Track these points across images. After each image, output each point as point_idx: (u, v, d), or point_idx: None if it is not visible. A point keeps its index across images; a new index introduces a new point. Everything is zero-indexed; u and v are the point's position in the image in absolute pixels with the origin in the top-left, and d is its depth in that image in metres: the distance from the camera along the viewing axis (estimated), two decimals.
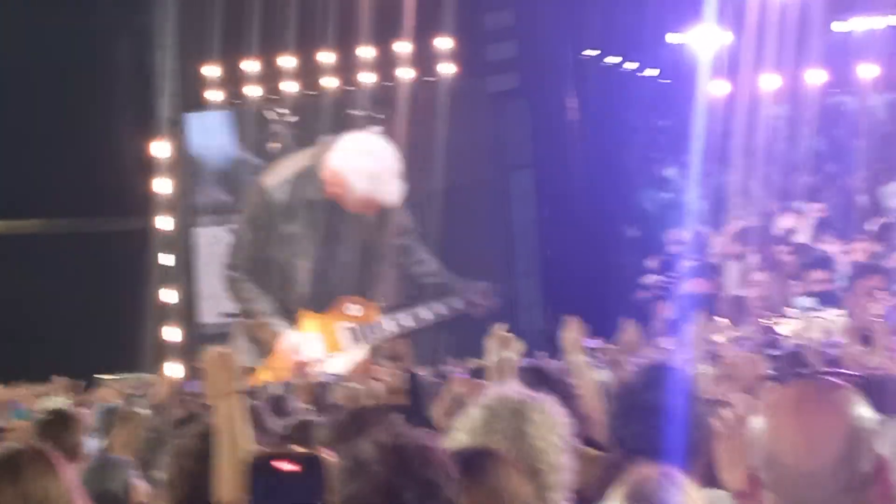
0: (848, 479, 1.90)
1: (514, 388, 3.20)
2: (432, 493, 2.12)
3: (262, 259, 16.94)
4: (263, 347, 16.69)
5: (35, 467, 3.12)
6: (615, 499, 2.61)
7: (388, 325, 16.64)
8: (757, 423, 2.06)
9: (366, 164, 16.13)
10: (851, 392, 2.03)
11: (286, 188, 16.46)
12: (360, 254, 16.88)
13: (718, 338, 13.61)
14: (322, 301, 16.87)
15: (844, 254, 17.54)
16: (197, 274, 18.56)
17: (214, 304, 18.22)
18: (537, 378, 5.25)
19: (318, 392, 8.17)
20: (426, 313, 16.67)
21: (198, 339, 17.97)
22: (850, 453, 1.91)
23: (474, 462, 2.82)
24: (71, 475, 3.23)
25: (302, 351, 16.34)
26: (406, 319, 16.65)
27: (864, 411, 1.98)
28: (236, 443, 2.67)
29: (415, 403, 6.01)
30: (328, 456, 1.58)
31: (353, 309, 16.70)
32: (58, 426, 5.15)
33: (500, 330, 4.43)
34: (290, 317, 16.84)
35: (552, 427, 2.94)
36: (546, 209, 18.28)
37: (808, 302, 16.51)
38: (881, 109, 19.09)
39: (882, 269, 16.89)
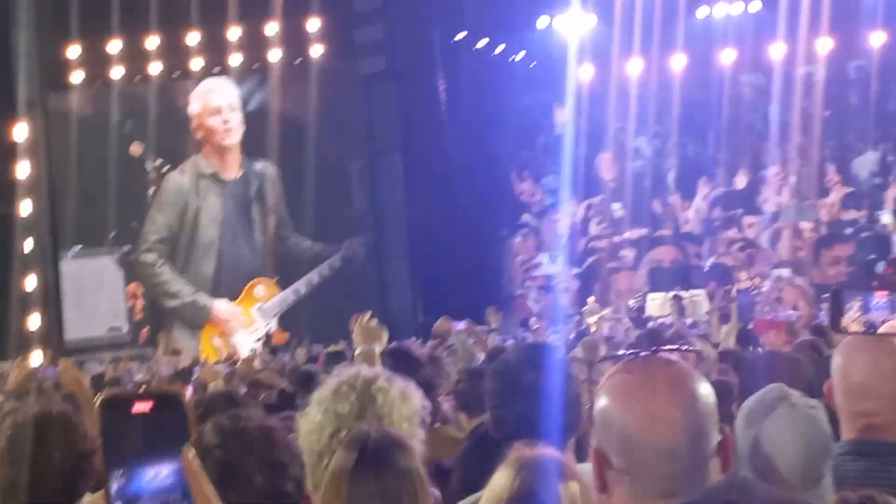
0: (702, 454, 1.93)
1: (371, 369, 3.22)
2: (280, 472, 2.09)
3: (174, 241, 18.59)
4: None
5: None
6: (501, 477, 2.62)
7: (288, 295, 18.70)
8: (601, 403, 2.01)
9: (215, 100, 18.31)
10: (689, 367, 2.05)
11: (186, 170, 18.48)
12: (257, 235, 18.82)
13: (589, 318, 13.88)
14: (230, 284, 18.75)
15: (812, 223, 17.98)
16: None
17: (85, 323, 18.20)
18: (402, 361, 5.25)
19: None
20: (315, 277, 18.69)
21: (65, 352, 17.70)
22: (703, 428, 1.94)
23: (381, 447, 2.83)
24: None
25: (237, 318, 18.45)
26: (301, 286, 18.69)
27: (705, 385, 2.01)
28: None
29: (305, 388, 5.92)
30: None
31: (260, 289, 18.83)
32: None
33: (365, 318, 4.37)
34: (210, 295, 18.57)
35: (398, 407, 2.98)
36: (415, 193, 18.26)
37: (783, 271, 16.86)
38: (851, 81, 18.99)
39: (845, 237, 17.34)
